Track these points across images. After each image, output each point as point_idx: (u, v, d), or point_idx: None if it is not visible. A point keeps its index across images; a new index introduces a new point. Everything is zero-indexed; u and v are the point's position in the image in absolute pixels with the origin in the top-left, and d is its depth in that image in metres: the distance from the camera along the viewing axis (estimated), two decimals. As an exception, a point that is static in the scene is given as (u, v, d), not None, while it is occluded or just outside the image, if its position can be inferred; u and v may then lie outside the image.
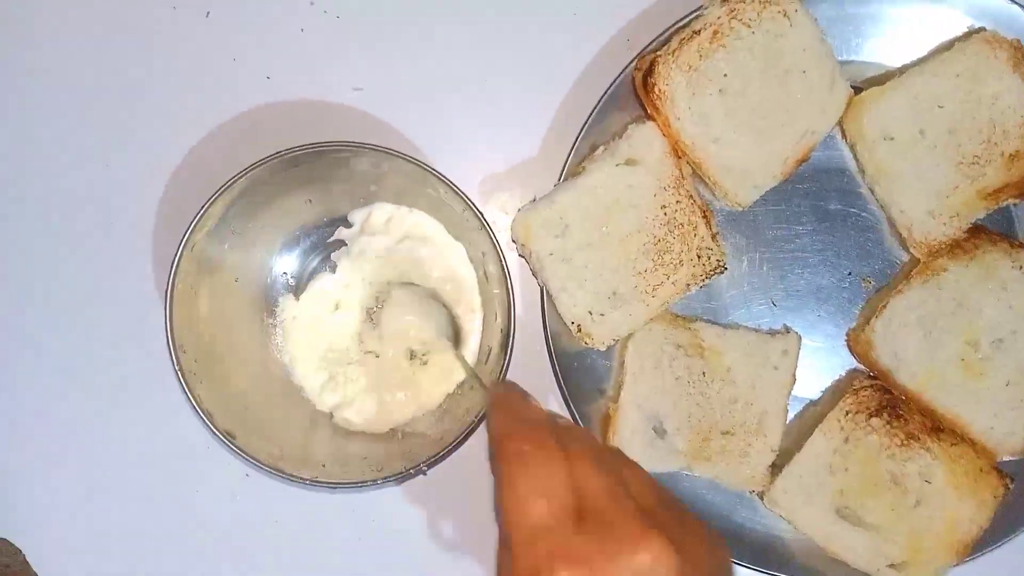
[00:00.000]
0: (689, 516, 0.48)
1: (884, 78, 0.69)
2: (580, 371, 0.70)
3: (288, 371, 0.70)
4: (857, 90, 0.68)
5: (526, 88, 0.72)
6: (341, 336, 0.71)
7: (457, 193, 0.64)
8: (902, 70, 0.69)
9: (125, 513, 0.72)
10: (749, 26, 0.66)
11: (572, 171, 0.68)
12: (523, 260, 0.69)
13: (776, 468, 0.70)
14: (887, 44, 0.70)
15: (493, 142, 0.72)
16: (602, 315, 0.67)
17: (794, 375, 0.69)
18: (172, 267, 0.62)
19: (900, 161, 0.68)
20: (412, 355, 0.70)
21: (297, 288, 0.71)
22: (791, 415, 0.71)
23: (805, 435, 0.69)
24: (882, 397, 0.69)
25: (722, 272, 0.68)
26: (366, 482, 0.64)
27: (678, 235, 0.67)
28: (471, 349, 0.70)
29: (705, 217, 0.68)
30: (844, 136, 0.70)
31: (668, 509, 0.46)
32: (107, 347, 0.72)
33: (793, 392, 0.70)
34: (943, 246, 0.69)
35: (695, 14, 0.66)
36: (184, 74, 0.72)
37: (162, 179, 0.72)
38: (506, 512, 0.45)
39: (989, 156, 0.68)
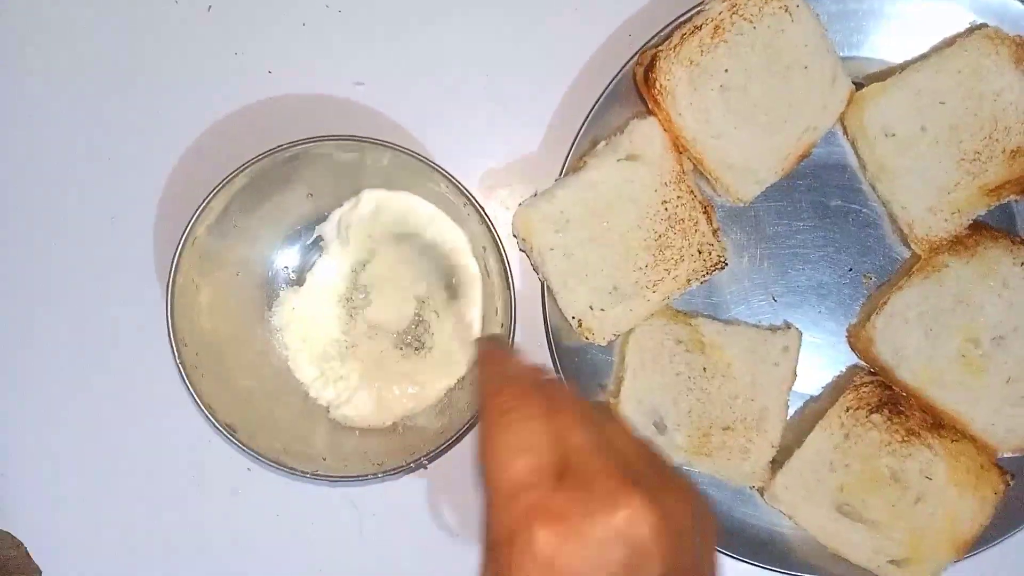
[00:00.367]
0: (672, 473, 0.47)
1: (885, 74, 0.69)
2: (581, 366, 0.70)
3: (287, 365, 0.71)
4: (858, 86, 0.68)
5: (527, 83, 0.72)
6: (336, 329, 0.71)
7: (458, 187, 0.64)
8: (903, 66, 0.69)
9: (126, 506, 0.73)
10: (751, 21, 0.66)
11: (573, 166, 0.68)
12: (524, 255, 0.69)
13: (776, 464, 0.70)
14: (889, 40, 0.70)
15: (494, 137, 0.72)
16: (603, 310, 0.67)
17: (795, 371, 0.69)
18: (173, 261, 0.62)
19: (901, 157, 0.68)
20: (405, 343, 0.70)
21: (298, 281, 0.71)
22: (791, 411, 0.71)
23: (805, 431, 0.69)
24: (883, 393, 0.69)
25: (723, 268, 0.68)
26: (367, 476, 0.65)
27: (679, 231, 0.67)
28: (473, 324, 0.70)
29: (706, 213, 0.68)
30: (845, 132, 0.70)
31: (651, 466, 0.45)
32: (108, 341, 0.72)
33: (794, 388, 0.70)
34: (944, 242, 0.69)
35: (696, 9, 0.66)
36: (186, 68, 0.72)
37: (163, 173, 0.72)
38: (487, 469, 0.44)
39: (991, 152, 0.67)
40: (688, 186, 0.67)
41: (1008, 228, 0.71)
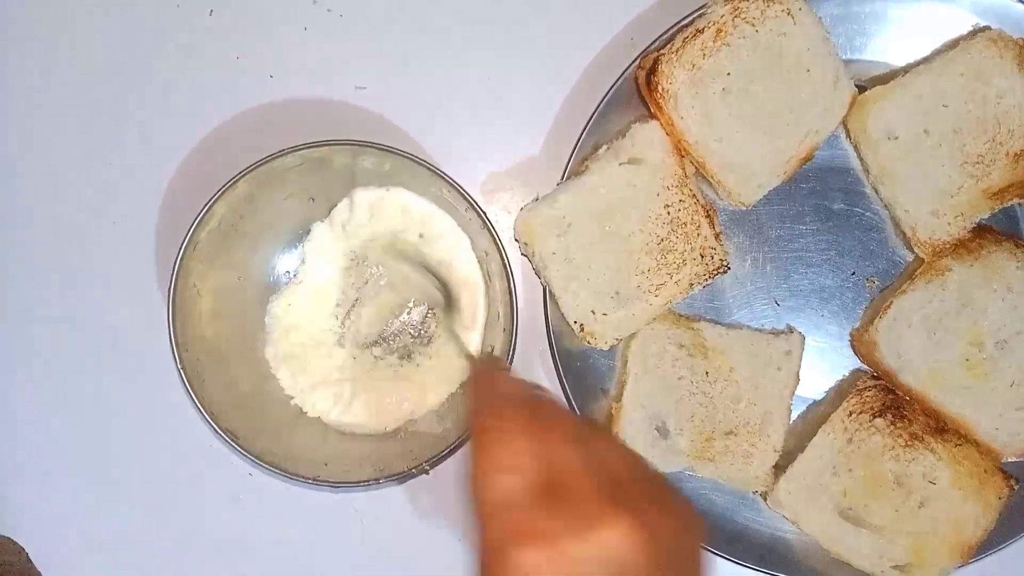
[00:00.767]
0: (664, 491, 0.47)
1: (888, 77, 0.69)
2: (583, 370, 0.70)
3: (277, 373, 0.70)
4: (861, 89, 0.68)
5: (529, 87, 0.72)
6: (331, 333, 0.70)
7: (460, 192, 0.64)
8: (906, 69, 0.68)
9: (127, 511, 0.72)
10: (753, 24, 0.65)
11: (575, 170, 0.68)
12: (526, 259, 0.69)
13: (779, 469, 0.69)
14: (891, 43, 0.70)
15: (496, 141, 0.72)
16: (605, 314, 0.67)
17: (797, 375, 0.69)
18: (175, 266, 0.62)
19: (904, 161, 0.68)
20: (405, 348, 0.70)
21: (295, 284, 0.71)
22: (794, 415, 0.71)
23: (808, 436, 0.69)
24: (886, 397, 0.69)
25: (725, 272, 0.68)
26: (369, 481, 0.64)
27: (681, 234, 0.67)
28: (473, 347, 0.70)
29: (708, 216, 0.67)
30: (848, 135, 0.70)
31: (639, 481, 0.45)
32: (110, 346, 0.72)
33: (796, 392, 0.69)
34: (947, 246, 0.69)
35: (698, 12, 0.66)
36: (187, 72, 0.72)
37: (165, 177, 0.72)
38: (474, 487, 0.44)
39: (994, 155, 0.67)
40: (690, 190, 0.67)
41: (1012, 231, 0.71)
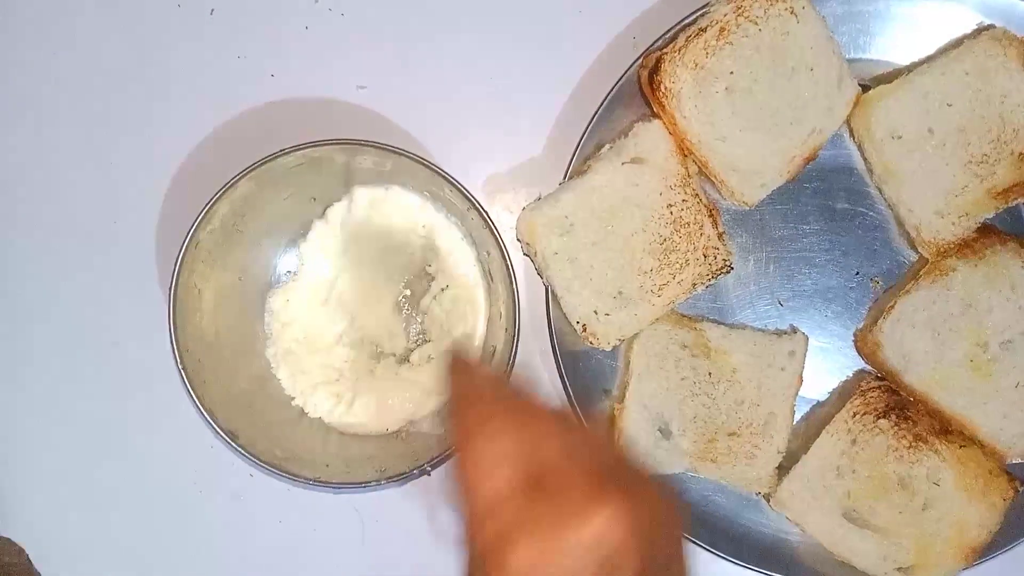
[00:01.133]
0: (644, 477, 0.48)
1: (892, 76, 0.68)
2: (585, 371, 0.70)
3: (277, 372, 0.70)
4: (865, 88, 0.68)
5: (531, 86, 0.71)
6: (331, 334, 0.70)
7: (462, 192, 0.63)
8: (910, 68, 0.68)
9: (128, 513, 0.72)
10: (756, 23, 0.65)
11: (577, 170, 0.67)
12: (528, 259, 0.68)
13: (783, 470, 0.69)
14: (895, 42, 0.70)
15: (498, 140, 0.72)
16: (607, 315, 0.67)
17: (801, 376, 0.69)
18: (175, 265, 0.62)
19: (908, 160, 0.67)
20: (406, 349, 0.70)
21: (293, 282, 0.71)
22: (798, 416, 0.70)
23: (812, 437, 0.69)
24: (890, 398, 0.68)
25: (728, 272, 0.68)
26: (369, 482, 0.64)
27: (684, 234, 0.67)
28: (475, 348, 0.70)
29: (711, 216, 0.67)
30: (852, 135, 0.70)
31: (617, 469, 0.46)
32: (110, 346, 0.72)
33: (800, 393, 0.69)
34: (952, 246, 0.68)
35: (701, 11, 0.66)
36: (188, 72, 0.72)
37: (166, 177, 0.72)
38: (463, 483, 0.44)
39: (998, 155, 0.67)
40: (693, 189, 0.67)
41: (1016, 231, 0.70)
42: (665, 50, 0.65)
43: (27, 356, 0.72)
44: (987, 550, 0.68)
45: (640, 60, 0.67)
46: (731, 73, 0.65)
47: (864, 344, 0.70)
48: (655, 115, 0.67)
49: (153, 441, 0.72)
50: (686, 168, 0.67)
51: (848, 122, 0.69)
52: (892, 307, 0.68)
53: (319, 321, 0.70)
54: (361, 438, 0.70)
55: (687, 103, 0.65)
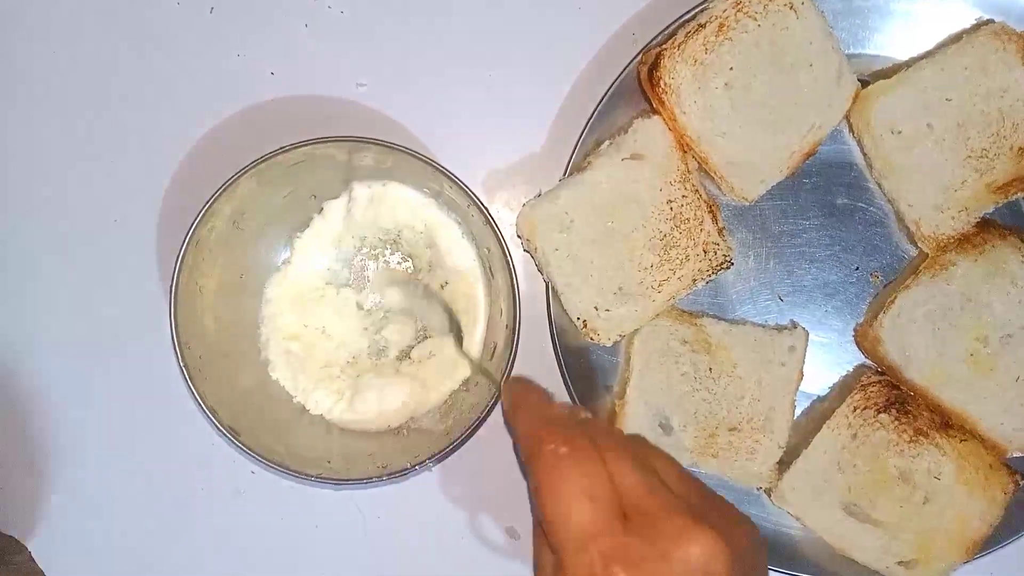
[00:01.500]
0: (723, 502, 0.48)
1: (891, 71, 0.68)
2: (586, 367, 0.70)
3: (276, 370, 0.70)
4: (864, 83, 0.68)
5: (531, 83, 0.71)
6: (332, 331, 0.70)
7: (462, 188, 0.63)
8: (909, 63, 0.68)
9: (130, 510, 0.72)
10: (755, 19, 0.65)
11: (577, 166, 0.67)
12: (528, 255, 0.69)
13: (783, 465, 0.69)
14: (894, 37, 0.70)
15: (498, 137, 0.72)
16: (608, 311, 0.67)
17: (801, 371, 0.69)
18: (176, 263, 0.62)
19: (908, 155, 0.67)
20: (408, 346, 0.70)
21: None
22: (798, 411, 0.70)
23: (813, 432, 0.69)
24: (890, 393, 0.69)
25: (728, 267, 0.68)
26: (371, 479, 0.64)
27: (684, 230, 0.67)
28: (476, 344, 0.70)
29: (711, 212, 0.67)
30: (851, 130, 0.70)
31: (702, 496, 0.46)
32: (111, 343, 0.72)
33: (800, 388, 0.69)
34: (951, 240, 0.68)
35: (701, 7, 0.66)
36: (188, 69, 0.72)
37: (166, 175, 0.72)
38: (551, 520, 0.44)
39: (998, 150, 0.67)
40: (693, 185, 0.67)
41: (1016, 225, 0.70)
42: (665, 46, 0.65)
43: (28, 355, 0.72)
44: (988, 544, 0.68)
45: (640, 56, 0.67)
46: (730, 69, 0.65)
47: (864, 339, 0.70)
48: (655, 111, 0.67)
49: (155, 439, 0.72)
50: (686, 164, 0.67)
51: (848, 117, 0.69)
52: (892, 302, 0.68)
53: (318, 317, 0.70)
54: (362, 435, 0.70)
55: (687, 99, 0.65)
